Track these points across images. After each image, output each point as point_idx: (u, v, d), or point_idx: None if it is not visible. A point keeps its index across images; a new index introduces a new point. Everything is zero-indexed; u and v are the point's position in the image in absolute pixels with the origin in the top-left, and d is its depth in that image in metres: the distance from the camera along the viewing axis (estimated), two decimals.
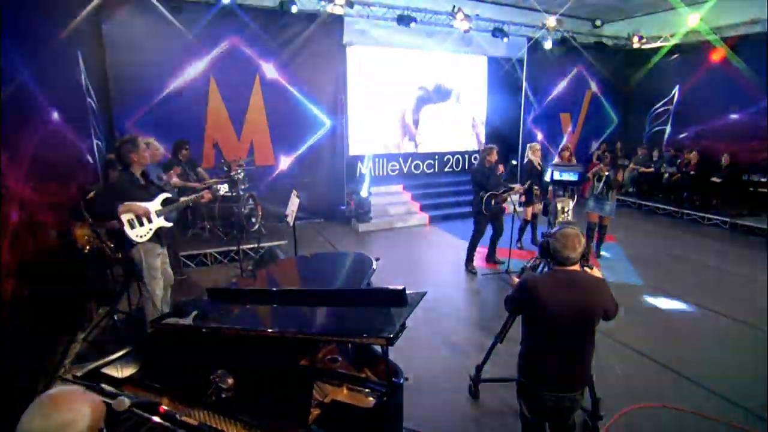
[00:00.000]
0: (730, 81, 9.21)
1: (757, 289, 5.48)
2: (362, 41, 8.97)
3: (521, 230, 6.88)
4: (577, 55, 10.26)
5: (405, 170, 9.85)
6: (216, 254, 6.18)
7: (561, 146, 7.03)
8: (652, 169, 9.98)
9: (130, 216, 3.34)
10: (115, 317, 3.92)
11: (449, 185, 9.36)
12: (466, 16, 8.42)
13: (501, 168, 5.67)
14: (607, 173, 5.86)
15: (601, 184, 5.87)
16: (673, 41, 9.96)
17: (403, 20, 8.08)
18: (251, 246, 6.34)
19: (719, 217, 8.44)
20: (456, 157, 10.28)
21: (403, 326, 1.96)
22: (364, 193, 8.02)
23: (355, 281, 3.04)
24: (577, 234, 2.25)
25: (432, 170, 10.09)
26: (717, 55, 9.43)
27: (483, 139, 10.32)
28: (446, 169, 10.20)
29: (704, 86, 9.76)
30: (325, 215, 8.67)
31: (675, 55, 10.27)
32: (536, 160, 6.54)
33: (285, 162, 8.24)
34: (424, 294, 2.29)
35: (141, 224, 3.41)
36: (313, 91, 8.15)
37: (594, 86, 10.96)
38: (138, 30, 6.64)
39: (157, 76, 6.92)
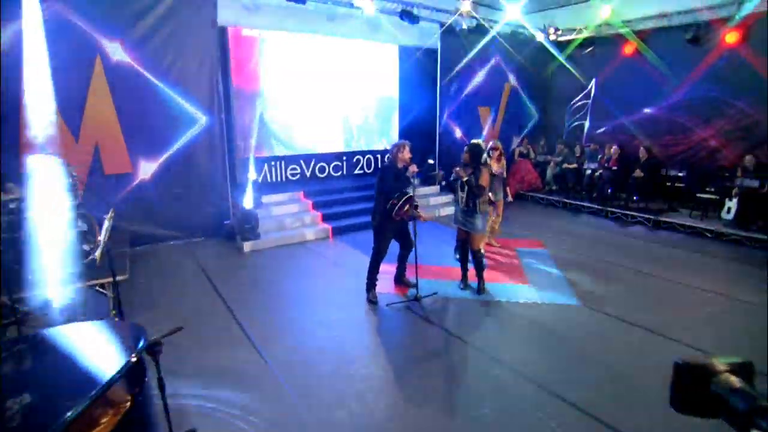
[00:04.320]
0: (644, 74, 8.95)
1: (699, 299, 4.79)
2: (247, 22, 7.48)
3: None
4: (494, 45, 9.50)
5: (308, 174, 8.45)
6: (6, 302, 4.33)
7: (490, 145, 6.02)
8: (575, 165, 9.47)
9: None
10: None
11: (358, 189, 8.10)
12: None
13: (414, 168, 4.46)
14: (466, 177, 4.53)
15: (465, 193, 4.60)
16: (586, 33, 9.61)
17: None
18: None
19: (643, 215, 8.03)
20: (367, 157, 9.06)
21: None
22: (248, 205, 6.50)
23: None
24: None
25: (340, 173, 8.78)
26: (629, 48, 9.13)
27: (396, 135, 9.21)
28: (356, 171, 8.94)
29: (619, 79, 9.47)
30: (206, 232, 7.03)
31: (590, 48, 9.91)
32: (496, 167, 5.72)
33: (147, 169, 6.48)
34: None
35: None
36: (180, 80, 6.48)
37: (512, 79, 10.31)
38: None
39: None
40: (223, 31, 7.20)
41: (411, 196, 4.37)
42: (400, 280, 5.04)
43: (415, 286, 4.63)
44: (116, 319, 3.75)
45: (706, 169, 8.27)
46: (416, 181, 4.58)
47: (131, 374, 1.77)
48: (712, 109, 8.21)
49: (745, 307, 4.64)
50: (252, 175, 7.22)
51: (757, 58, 7.57)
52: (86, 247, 5.07)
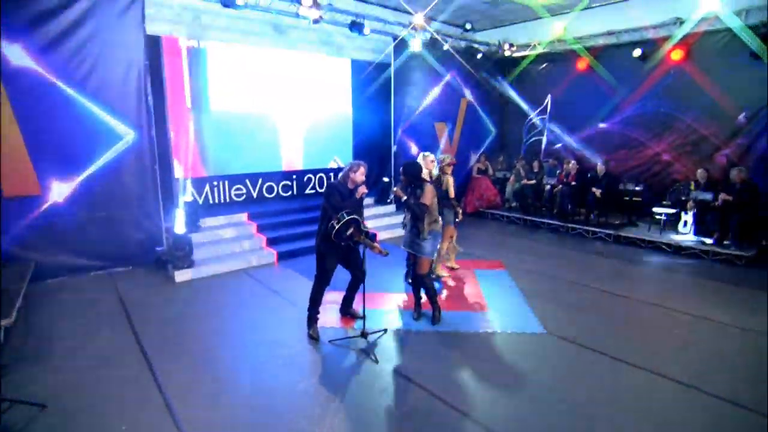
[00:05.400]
0: (597, 90, 9.00)
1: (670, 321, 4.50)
2: (184, 32, 6.89)
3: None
4: (449, 60, 9.32)
5: (254, 194, 7.81)
6: None
7: (448, 161, 5.62)
8: (533, 181, 9.31)
9: None
10: None
11: (309, 210, 7.52)
12: (315, 2, 6.83)
13: (363, 190, 3.97)
14: (405, 197, 4.17)
15: (409, 213, 4.23)
16: (540, 49, 9.64)
17: (230, 0, 6.19)
18: None
19: (603, 230, 7.88)
20: (319, 175, 8.52)
21: None
22: (179, 229, 5.80)
23: None
24: None
25: (289, 193, 8.19)
26: (582, 64, 9.19)
27: (349, 152, 8.76)
28: (308, 191, 8.38)
29: (573, 95, 9.50)
30: (134, 261, 6.23)
31: (545, 64, 9.94)
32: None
33: (60, 190, 5.67)
34: None
35: None
36: (101, 91, 5.76)
37: (468, 94, 10.15)
38: None
39: None
40: (156, 40, 6.59)
41: (356, 219, 3.86)
42: (346, 310, 4.48)
43: (362, 318, 4.08)
44: None
45: (661, 183, 8.30)
46: (365, 201, 4.12)
47: None
48: (662, 124, 8.31)
49: (713, 326, 4.38)
50: (187, 196, 6.53)
51: (700, 74, 7.72)
52: None
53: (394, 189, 4.25)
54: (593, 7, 8.71)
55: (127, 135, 6.04)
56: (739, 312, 4.68)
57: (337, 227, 3.76)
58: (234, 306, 5.04)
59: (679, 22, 7.69)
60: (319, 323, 4.23)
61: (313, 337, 4.05)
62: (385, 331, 4.18)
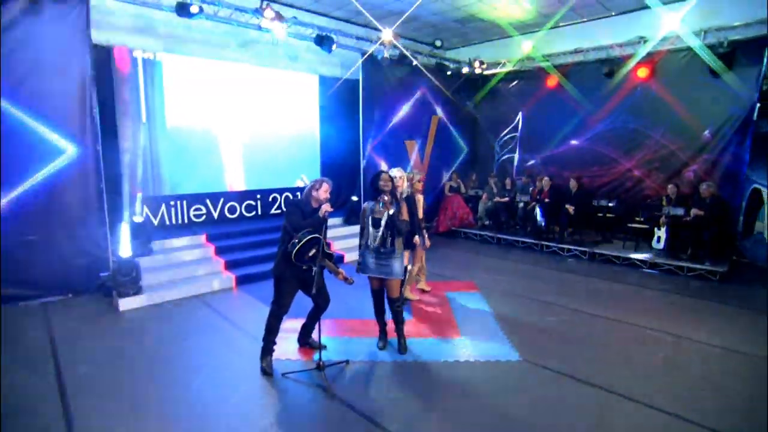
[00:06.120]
0: (568, 107, 9.00)
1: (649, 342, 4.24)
2: (139, 43, 6.52)
3: None
4: (419, 76, 9.20)
5: (215, 215, 7.33)
6: None
7: (419, 177, 5.37)
8: (506, 199, 9.14)
9: None
10: None
11: (273, 231, 7.07)
12: (278, 15, 6.57)
13: (328, 208, 3.58)
14: (393, 210, 3.72)
15: (380, 230, 3.76)
16: (509, 67, 9.66)
17: (184, 9, 5.86)
18: None
19: (577, 247, 7.72)
20: (285, 194, 8.12)
21: None
22: (124, 253, 5.26)
23: None
24: None
25: (253, 213, 7.74)
26: (552, 82, 9.21)
27: (317, 171, 8.41)
28: (273, 211, 7.95)
29: (544, 112, 9.48)
30: (76, 288, 5.62)
31: (515, 81, 9.95)
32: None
33: None
34: None
35: None
36: (37, 101, 5.25)
37: (440, 111, 10.02)
38: None
39: None
40: (107, 50, 6.19)
41: (318, 238, 3.48)
42: (304, 340, 4.05)
43: (321, 348, 3.67)
44: None
45: (633, 199, 8.24)
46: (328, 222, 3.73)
47: None
48: (631, 141, 8.32)
49: (696, 347, 4.15)
50: (138, 216, 6.02)
51: (666, 91, 7.79)
52: None
53: (384, 198, 3.75)
54: (561, 26, 8.81)
55: (68, 150, 5.53)
56: (722, 331, 4.47)
57: (297, 247, 3.38)
58: (181, 338, 4.51)
59: (643, 41, 7.80)
60: (275, 354, 3.78)
61: (266, 372, 3.59)
62: (347, 362, 3.76)
